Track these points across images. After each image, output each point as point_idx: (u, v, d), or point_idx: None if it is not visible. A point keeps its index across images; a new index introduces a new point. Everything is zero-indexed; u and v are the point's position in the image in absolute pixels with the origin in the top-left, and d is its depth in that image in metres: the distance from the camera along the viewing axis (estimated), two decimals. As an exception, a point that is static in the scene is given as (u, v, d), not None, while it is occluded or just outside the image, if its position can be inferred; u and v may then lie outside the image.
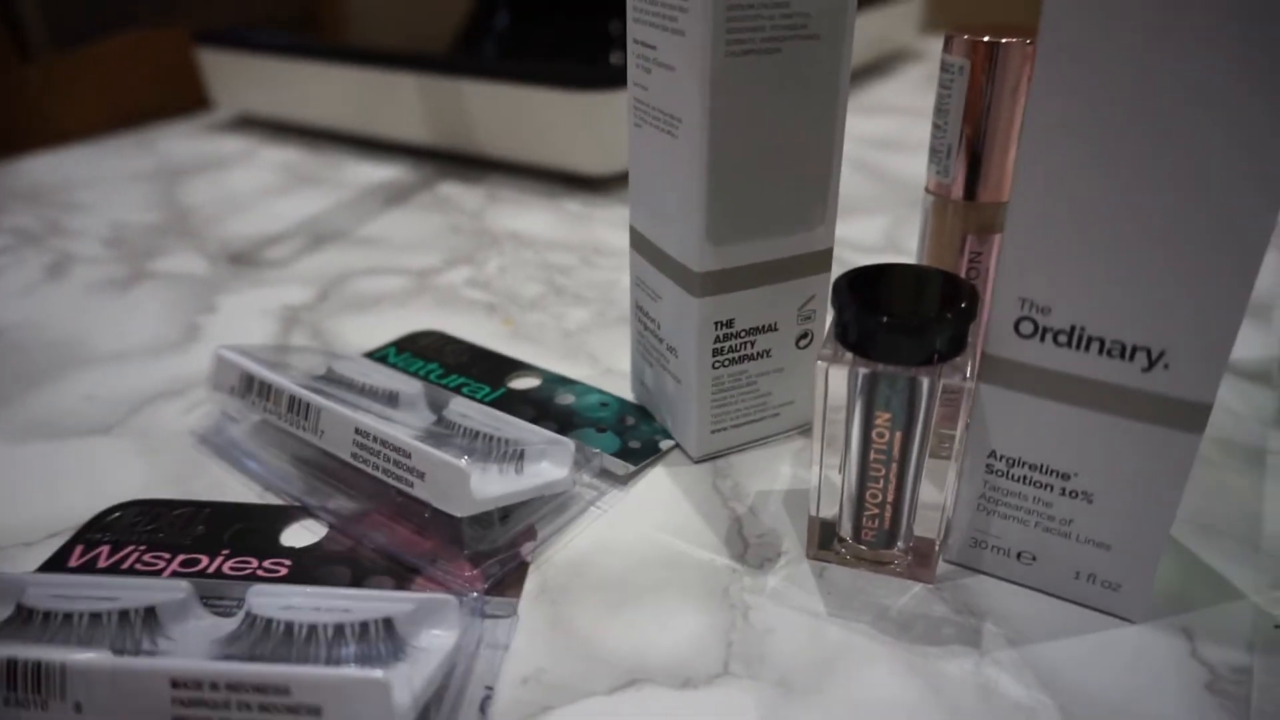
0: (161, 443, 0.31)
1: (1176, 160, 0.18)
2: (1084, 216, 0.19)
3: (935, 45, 0.91)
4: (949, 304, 0.22)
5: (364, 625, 0.20)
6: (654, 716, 0.20)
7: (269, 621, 0.21)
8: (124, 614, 0.21)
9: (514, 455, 0.27)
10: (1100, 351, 0.20)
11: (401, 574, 0.25)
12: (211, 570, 0.25)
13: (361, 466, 0.27)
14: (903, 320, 0.21)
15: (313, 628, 0.20)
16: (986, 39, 0.25)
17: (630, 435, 0.30)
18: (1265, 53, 0.16)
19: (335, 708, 0.18)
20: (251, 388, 0.29)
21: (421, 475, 0.25)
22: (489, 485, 0.25)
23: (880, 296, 0.22)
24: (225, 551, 0.25)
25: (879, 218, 0.49)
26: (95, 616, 0.21)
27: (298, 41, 0.64)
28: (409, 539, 0.26)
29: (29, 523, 0.27)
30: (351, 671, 0.18)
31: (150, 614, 0.21)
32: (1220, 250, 0.18)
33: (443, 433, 0.28)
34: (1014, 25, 0.26)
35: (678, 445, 0.30)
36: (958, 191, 0.26)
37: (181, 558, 0.25)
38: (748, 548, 0.25)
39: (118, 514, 0.27)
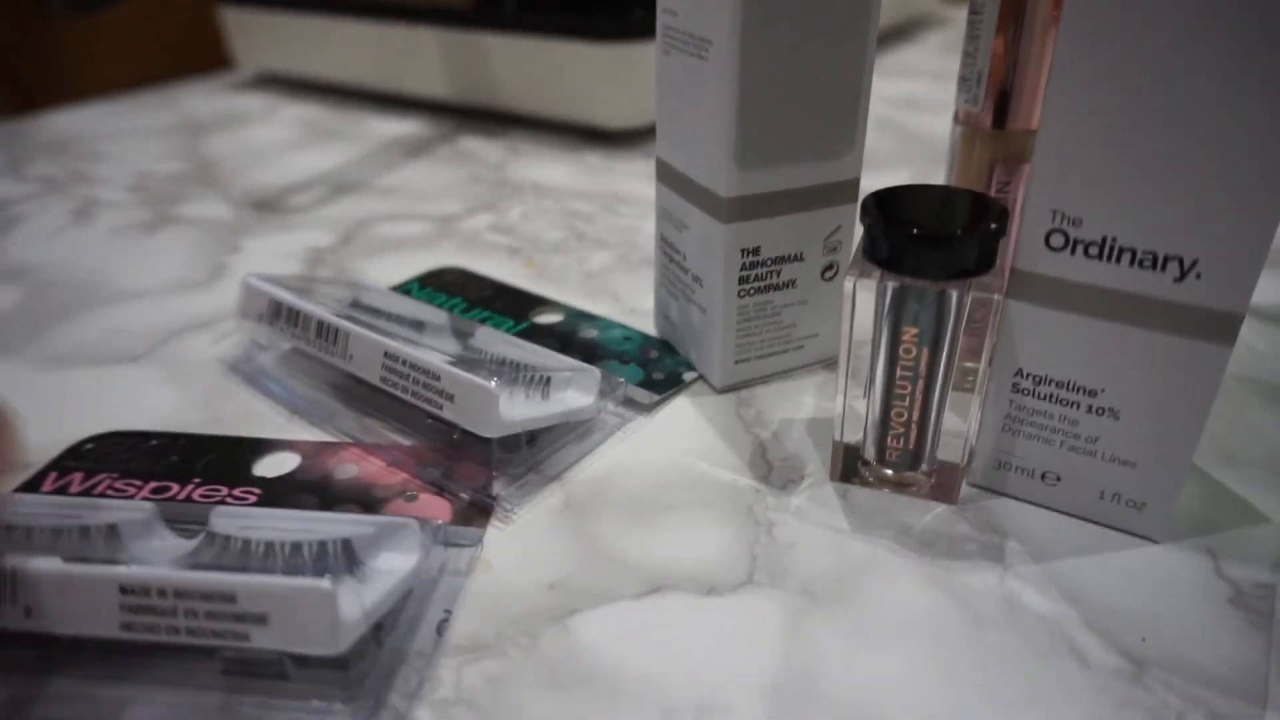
0: (190, 371, 0.31)
1: (1209, 69, 0.18)
2: (1116, 126, 0.19)
3: (959, 12, 0.90)
4: (978, 221, 0.22)
5: (321, 544, 0.20)
6: (679, 619, 0.21)
7: (227, 539, 0.21)
8: (84, 529, 0.21)
9: (540, 381, 0.27)
10: (1132, 263, 0.20)
11: (370, 503, 0.25)
12: (181, 497, 0.25)
13: (391, 390, 0.27)
14: (932, 234, 0.21)
15: (269, 545, 0.20)
16: (1020, -38, 0.24)
17: (654, 367, 0.30)
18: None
19: (281, 617, 0.18)
20: (280, 314, 0.30)
21: (451, 398, 0.25)
22: (516, 409, 0.26)
23: (909, 213, 0.22)
24: (196, 480, 0.26)
25: (903, 172, 0.49)
26: (56, 531, 0.21)
27: (319, -2, 0.64)
28: (380, 471, 0.26)
29: (63, 442, 0.27)
30: (298, 580, 0.18)
31: (112, 531, 0.21)
32: (1253, 158, 0.18)
33: (470, 358, 0.28)
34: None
35: (701, 377, 0.30)
36: (987, 120, 0.26)
37: (153, 485, 0.25)
38: (771, 470, 0.26)
39: (92, 444, 0.27)
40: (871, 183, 0.47)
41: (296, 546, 0.20)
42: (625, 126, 0.53)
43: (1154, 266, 0.20)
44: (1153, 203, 0.19)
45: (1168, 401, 0.21)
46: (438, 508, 0.24)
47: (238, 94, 0.69)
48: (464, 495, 0.25)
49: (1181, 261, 0.20)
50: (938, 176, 0.48)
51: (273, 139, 0.58)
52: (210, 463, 0.26)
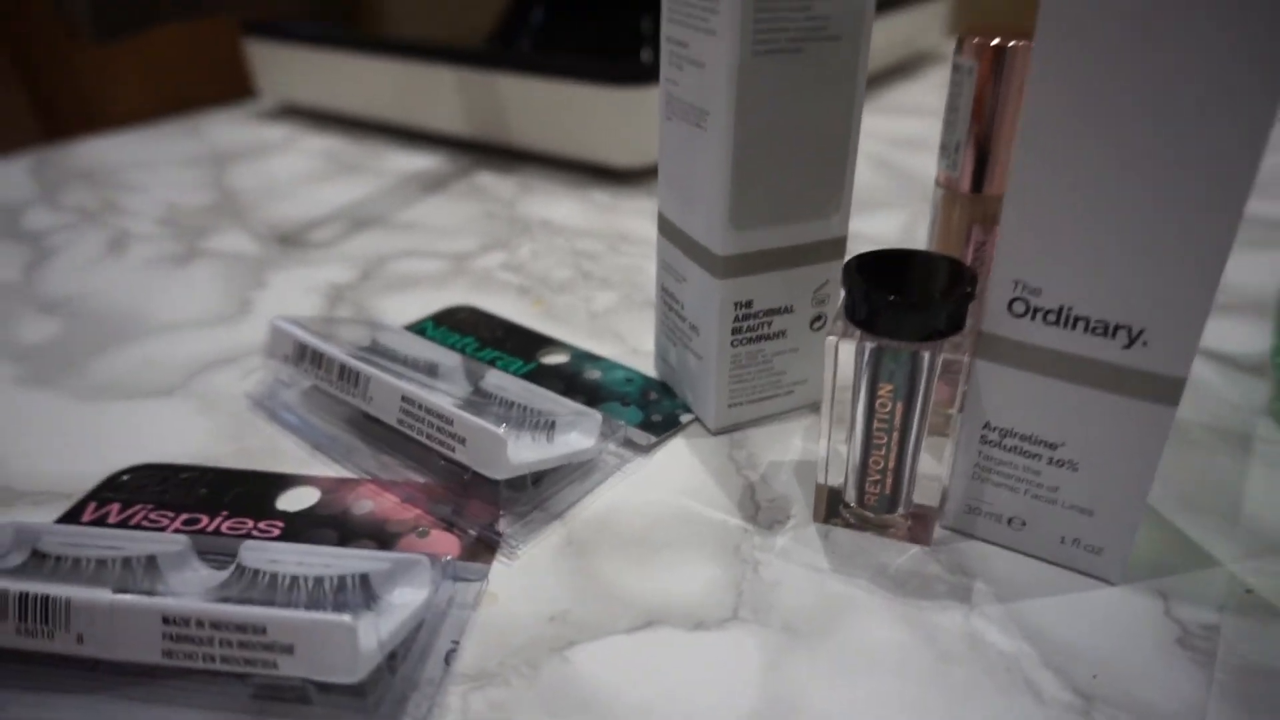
0: (219, 404, 0.33)
1: (1153, 161, 0.20)
2: (1072, 208, 0.21)
3: (961, 47, 0.92)
4: (949, 286, 0.24)
5: (341, 579, 0.22)
6: (669, 652, 0.23)
7: (255, 572, 0.23)
8: (127, 561, 0.23)
9: (545, 425, 0.29)
10: (1085, 330, 0.22)
11: (385, 538, 0.27)
12: (210, 529, 0.27)
13: (407, 431, 0.29)
14: (906, 299, 0.23)
15: (294, 579, 0.22)
16: (994, 42, 0.26)
17: (653, 409, 0.32)
18: (1229, 69, 0.18)
19: (307, 647, 0.20)
20: (304, 356, 0.32)
21: (463, 440, 0.27)
22: (523, 452, 0.28)
23: (886, 277, 0.24)
24: (224, 513, 0.28)
25: (898, 213, 0.51)
26: (101, 562, 0.23)
27: (341, 34, 0.67)
28: (394, 507, 0.28)
29: (102, 473, 0.29)
30: (322, 615, 0.20)
31: (151, 562, 0.23)
32: (1192, 241, 0.20)
33: (480, 401, 0.30)
34: (1025, 29, 0.27)
35: (697, 419, 0.32)
36: (965, 185, 0.28)
37: (184, 517, 0.27)
38: (759, 510, 0.28)
39: (128, 476, 0.29)
40: (866, 224, 0.49)
41: (319, 581, 0.22)
42: (631, 165, 0.55)
43: (1105, 334, 0.22)
44: (1104, 277, 0.21)
45: (1120, 455, 0.23)
46: (447, 544, 0.26)
47: (260, 124, 0.71)
48: (472, 532, 0.27)
49: (1130, 330, 0.21)
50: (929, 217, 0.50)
51: (295, 170, 0.60)
52: (237, 496, 0.28)
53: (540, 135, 0.58)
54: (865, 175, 0.58)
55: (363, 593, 0.22)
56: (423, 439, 0.28)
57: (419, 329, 0.38)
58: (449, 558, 0.25)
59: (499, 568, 0.25)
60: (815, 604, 0.24)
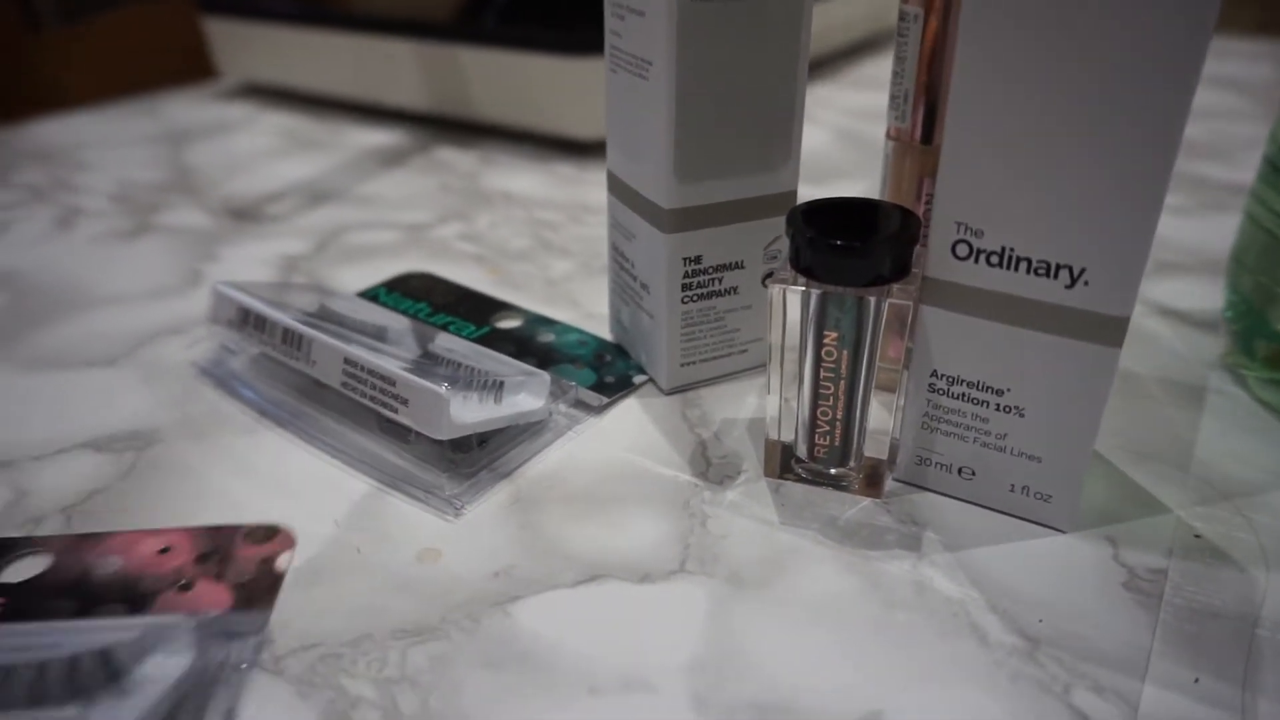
0: (163, 373, 0.33)
1: (1088, 97, 0.19)
2: (1009, 148, 0.21)
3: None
4: (895, 231, 0.23)
5: (73, 659, 0.19)
6: (613, 605, 0.22)
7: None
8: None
9: (493, 385, 0.28)
10: (1028, 270, 0.22)
11: (137, 599, 0.22)
12: None
13: (350, 394, 0.28)
14: (850, 244, 0.23)
15: (8, 670, 0.19)
16: (940, -11, 0.26)
17: (606, 371, 0.32)
18: (1159, 12, 0.18)
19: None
20: (248, 320, 0.31)
21: (405, 401, 0.27)
22: (468, 413, 0.27)
23: (831, 225, 0.24)
24: None
25: (860, 182, 0.51)
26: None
27: (300, 9, 0.65)
28: (150, 559, 0.24)
29: (39, 441, 0.29)
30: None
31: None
32: (1129, 179, 0.20)
33: (427, 364, 0.30)
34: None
35: (651, 380, 0.31)
36: (914, 136, 0.28)
37: None
38: (710, 466, 0.27)
39: None
40: (827, 191, 0.48)
41: (41, 669, 0.20)
42: (595, 137, 0.55)
43: (1048, 274, 0.22)
44: (1044, 216, 0.21)
45: (1066, 400, 0.23)
46: (214, 596, 0.23)
47: (221, 103, 0.70)
48: (242, 579, 0.23)
49: (1071, 269, 0.21)
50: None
51: (254, 148, 0.59)
52: None
53: (501, 108, 0.57)
54: (827, 145, 0.57)
55: (103, 672, 0.20)
56: (366, 401, 0.28)
57: (371, 295, 0.37)
58: (216, 613, 0.22)
59: (443, 525, 0.25)
60: (763, 555, 0.24)
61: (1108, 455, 0.27)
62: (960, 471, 0.25)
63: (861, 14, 0.77)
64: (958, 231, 0.22)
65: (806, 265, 0.24)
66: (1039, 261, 0.21)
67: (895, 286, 0.23)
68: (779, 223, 0.29)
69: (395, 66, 0.60)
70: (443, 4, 0.71)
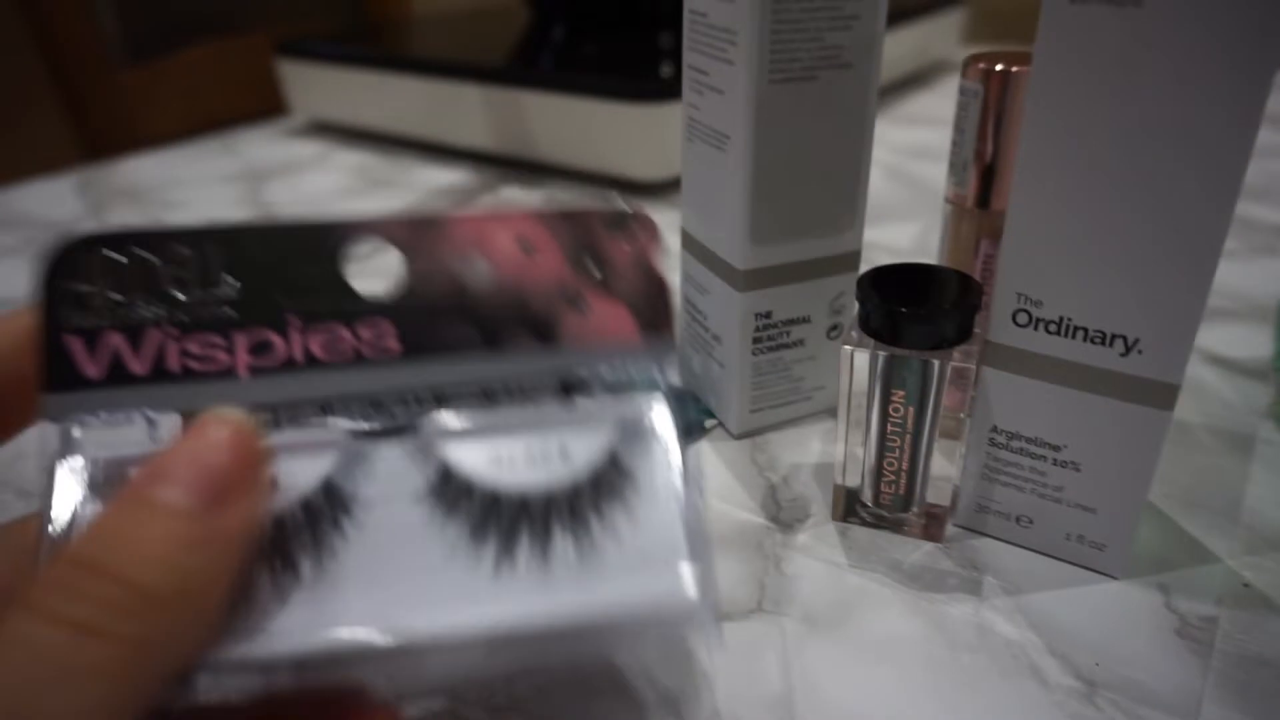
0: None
1: (1143, 181, 0.21)
2: (1069, 224, 0.23)
3: (975, 56, 0.93)
4: (957, 298, 0.25)
5: (597, 478, 0.18)
6: (696, 642, 0.24)
7: (470, 487, 0.18)
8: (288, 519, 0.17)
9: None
10: (1084, 339, 0.23)
11: (537, 324, 0.19)
12: (295, 356, 0.18)
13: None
14: (917, 311, 0.25)
15: (524, 502, 0.18)
16: (998, 67, 0.28)
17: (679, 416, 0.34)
18: (1213, 98, 0.20)
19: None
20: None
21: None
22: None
23: (898, 290, 0.26)
24: (292, 317, 0.18)
25: (911, 223, 0.53)
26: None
27: (370, 53, 0.69)
28: (519, 262, 0.19)
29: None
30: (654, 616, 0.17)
31: (329, 491, 0.18)
32: (1182, 255, 0.22)
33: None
34: (1028, 55, 0.29)
35: (720, 424, 0.34)
36: (972, 201, 0.30)
37: (243, 339, 0.18)
38: (780, 510, 0.29)
39: (80, 278, 0.18)
40: (880, 233, 0.50)
41: (574, 497, 0.18)
42: (651, 178, 0.57)
43: (1103, 342, 0.23)
44: (1101, 290, 0.23)
45: (1120, 457, 0.24)
46: (614, 315, 0.19)
47: (293, 140, 0.74)
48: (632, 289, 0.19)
49: (1125, 339, 0.23)
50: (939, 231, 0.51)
51: (328, 186, 0.62)
52: (278, 278, 0.18)
53: (564, 150, 0.60)
54: (879, 185, 0.59)
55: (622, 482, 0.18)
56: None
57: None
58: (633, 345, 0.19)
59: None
60: (833, 596, 0.26)
61: (1157, 502, 0.29)
62: (1018, 519, 0.27)
63: (907, 50, 0.79)
64: (1018, 301, 0.24)
65: (875, 329, 0.26)
66: (1095, 331, 0.23)
67: (958, 349, 0.25)
68: (844, 280, 0.31)
69: (461, 108, 0.63)
70: (500, 45, 0.74)
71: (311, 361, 0.18)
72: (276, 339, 0.18)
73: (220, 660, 0.16)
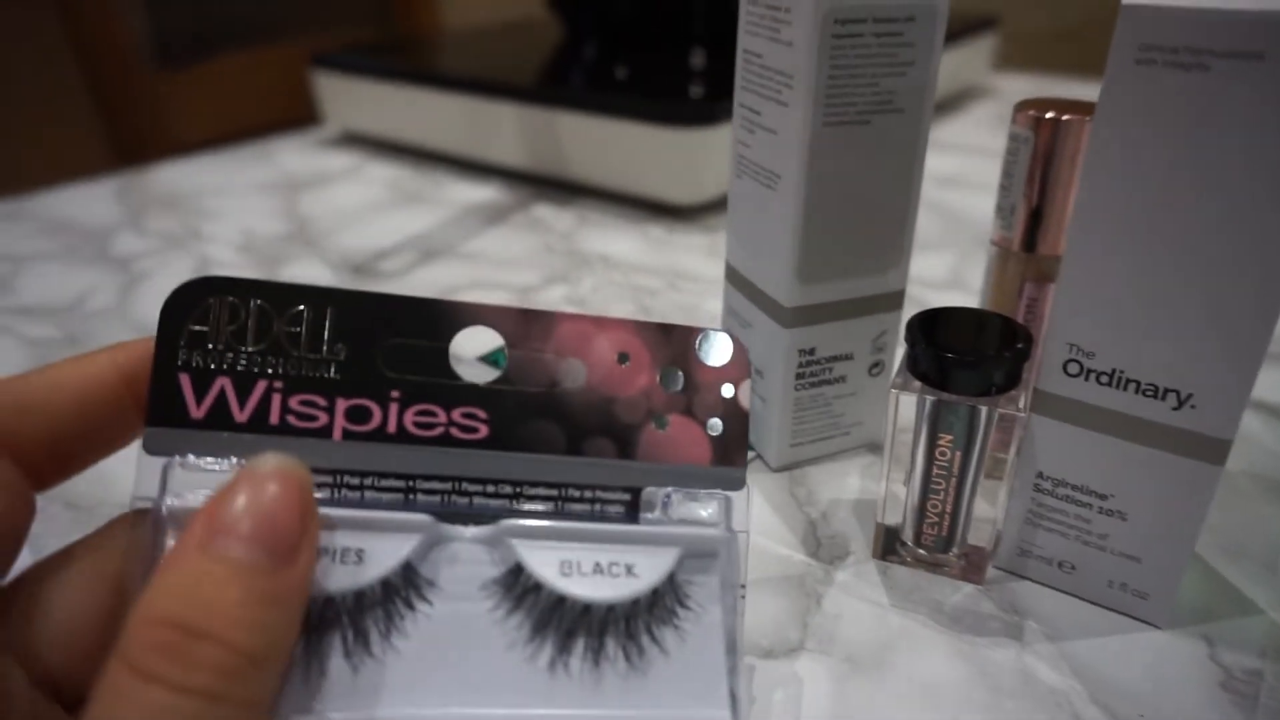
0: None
1: (1202, 235, 0.22)
2: (1125, 277, 0.23)
3: (1007, 83, 0.94)
4: (1006, 344, 0.25)
5: (655, 596, 0.19)
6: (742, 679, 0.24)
7: (538, 586, 0.19)
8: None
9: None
10: (1136, 391, 0.24)
11: (620, 435, 0.19)
12: (389, 426, 0.19)
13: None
14: (966, 357, 0.25)
15: (587, 607, 0.19)
16: (1049, 115, 0.28)
17: (716, 444, 0.34)
18: (1275, 158, 0.20)
19: None
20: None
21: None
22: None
23: (947, 335, 0.26)
24: (395, 392, 0.19)
25: (946, 255, 0.53)
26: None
27: (404, 67, 0.70)
28: (614, 371, 0.19)
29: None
30: None
31: (409, 574, 0.18)
32: (1239, 313, 0.22)
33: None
34: (1077, 102, 0.29)
35: (759, 456, 0.34)
36: (1018, 244, 0.30)
37: (344, 405, 0.19)
38: (820, 546, 0.29)
39: (195, 326, 0.19)
40: (915, 265, 0.51)
41: (633, 610, 0.19)
42: (686, 202, 0.58)
43: (1155, 396, 0.23)
44: (1155, 343, 0.23)
45: (1167, 508, 0.24)
46: (691, 437, 0.20)
47: (327, 151, 0.74)
48: (714, 417, 0.20)
49: (1178, 394, 0.23)
50: (978, 259, 0.51)
51: (363, 199, 0.63)
52: (388, 348, 0.19)
53: (597, 171, 0.60)
54: (912, 213, 0.59)
55: (675, 600, 0.19)
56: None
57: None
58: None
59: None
60: (876, 636, 0.26)
61: (1201, 551, 0.29)
62: (1060, 565, 0.27)
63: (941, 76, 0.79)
64: (1070, 352, 0.24)
65: (924, 373, 0.26)
66: (1147, 384, 0.23)
67: (1006, 396, 0.25)
68: (887, 318, 0.32)
69: (494, 125, 0.64)
70: (531, 61, 0.75)
71: (404, 435, 0.19)
72: (375, 408, 0.19)
73: None
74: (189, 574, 0.16)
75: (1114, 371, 0.24)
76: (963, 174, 0.67)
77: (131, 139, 0.93)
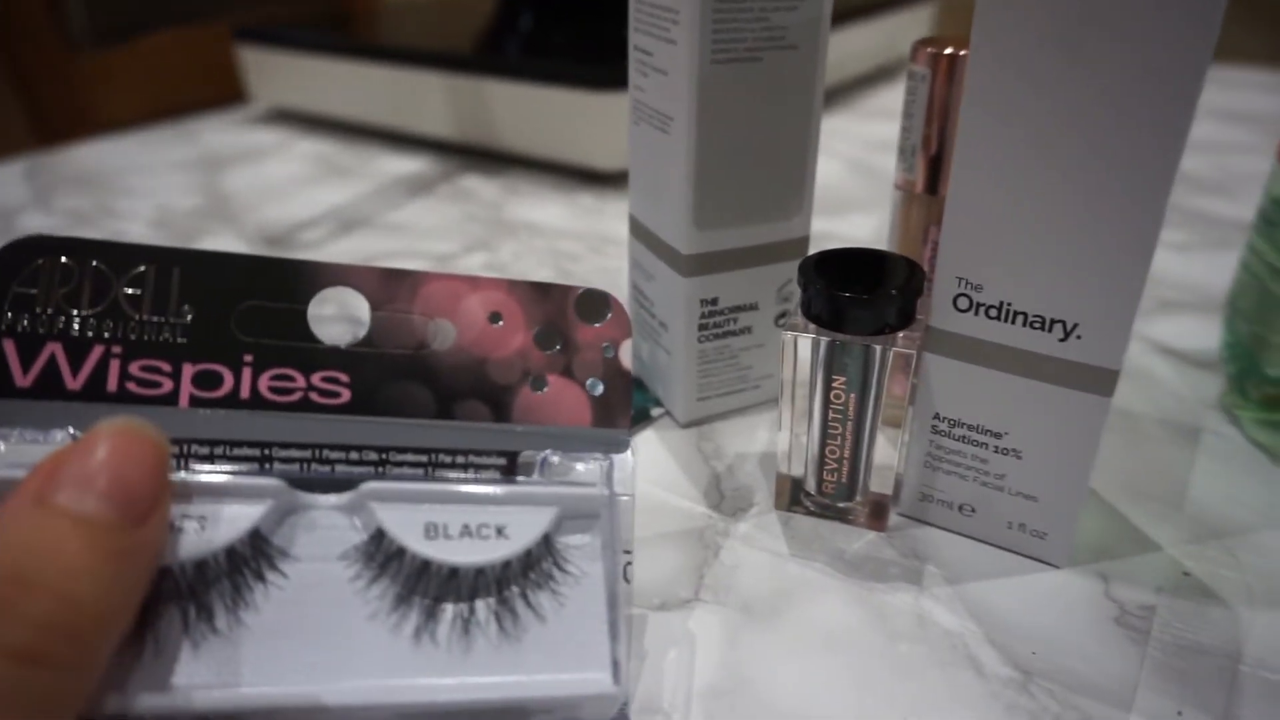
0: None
1: (1080, 167, 0.21)
2: (1008, 209, 0.22)
3: (944, 52, 0.93)
4: (898, 282, 0.25)
5: (529, 559, 0.18)
6: (632, 631, 0.24)
7: (402, 551, 0.18)
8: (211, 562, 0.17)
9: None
10: (1024, 324, 0.23)
11: (491, 394, 0.19)
12: (242, 394, 0.18)
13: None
14: (858, 295, 0.24)
15: (454, 570, 0.18)
16: (946, 51, 0.28)
17: (626, 403, 0.33)
18: (1147, 82, 0.20)
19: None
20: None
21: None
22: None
23: (840, 275, 0.25)
24: (249, 357, 0.18)
25: (870, 215, 0.52)
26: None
27: (332, 40, 0.68)
28: (486, 331, 0.19)
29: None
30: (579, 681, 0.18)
31: (256, 542, 0.17)
32: (1119, 240, 0.21)
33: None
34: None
35: (668, 413, 0.33)
36: (920, 186, 0.29)
37: (191, 369, 0.18)
38: (723, 499, 0.29)
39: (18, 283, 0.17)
40: (839, 224, 0.50)
41: (497, 574, 0.18)
42: (615, 168, 0.57)
43: (1042, 328, 0.23)
44: (1039, 274, 0.23)
45: (1061, 444, 0.24)
46: (571, 399, 0.19)
47: (253, 128, 0.72)
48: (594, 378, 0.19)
49: (1064, 324, 0.23)
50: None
51: (287, 174, 0.61)
52: (242, 313, 0.18)
53: (525, 139, 0.59)
54: (840, 177, 0.59)
55: (550, 562, 0.18)
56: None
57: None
58: (583, 431, 0.19)
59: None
60: (773, 586, 0.25)
61: (1104, 493, 0.29)
62: (961, 508, 0.27)
63: (875, 44, 0.79)
64: (959, 286, 0.24)
65: (817, 314, 0.25)
66: (1034, 316, 0.23)
67: (900, 335, 0.25)
68: (792, 266, 0.31)
69: (423, 96, 0.62)
70: (467, 33, 0.73)
71: (258, 401, 0.18)
72: (226, 373, 0.18)
73: (127, 709, 0.16)
74: (24, 527, 0.14)
75: (1002, 304, 0.23)
76: (893, 140, 0.67)
77: (55, 121, 0.89)
